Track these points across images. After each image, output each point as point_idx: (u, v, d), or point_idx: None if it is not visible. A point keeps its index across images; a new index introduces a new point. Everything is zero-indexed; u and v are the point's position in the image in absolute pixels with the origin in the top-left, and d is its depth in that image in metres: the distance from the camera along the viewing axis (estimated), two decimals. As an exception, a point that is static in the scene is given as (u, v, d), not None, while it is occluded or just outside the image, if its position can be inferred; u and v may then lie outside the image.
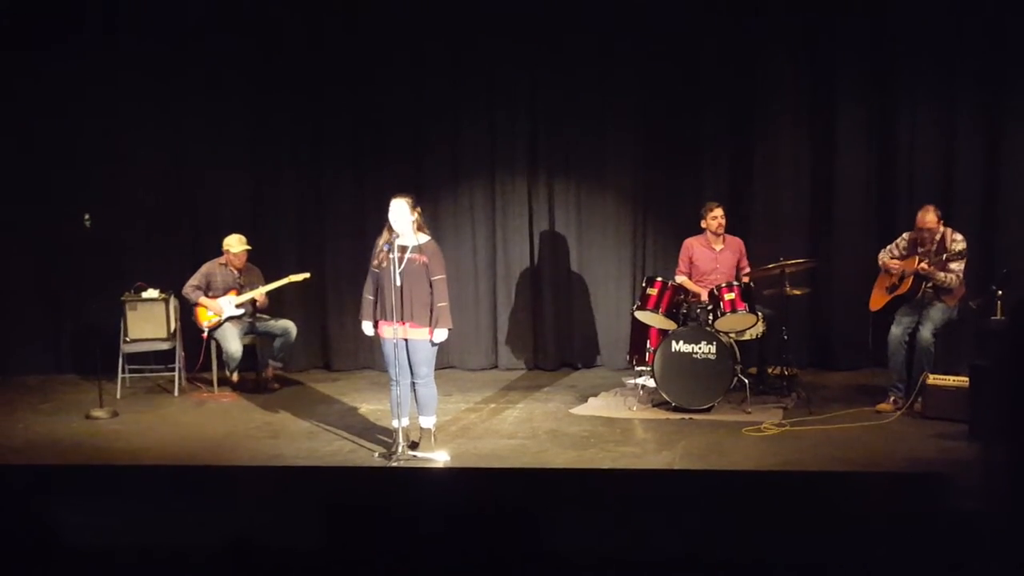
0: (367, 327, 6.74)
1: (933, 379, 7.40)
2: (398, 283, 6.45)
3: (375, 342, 6.90)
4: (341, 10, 9.61)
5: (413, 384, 6.70)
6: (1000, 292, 7.37)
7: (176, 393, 8.91)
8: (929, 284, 7.63)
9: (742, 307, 7.69)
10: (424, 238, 6.66)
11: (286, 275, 8.90)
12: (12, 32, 9.42)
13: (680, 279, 8.35)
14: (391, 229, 6.55)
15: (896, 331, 7.71)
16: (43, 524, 2.63)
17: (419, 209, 6.66)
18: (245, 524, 2.64)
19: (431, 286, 6.56)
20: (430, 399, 6.75)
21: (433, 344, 6.63)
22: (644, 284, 8.11)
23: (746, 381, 7.85)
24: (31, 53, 9.49)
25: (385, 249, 6.51)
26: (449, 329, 6.69)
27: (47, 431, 7.80)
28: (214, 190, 9.84)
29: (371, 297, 6.66)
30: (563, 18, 9.44)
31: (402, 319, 6.50)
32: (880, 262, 7.99)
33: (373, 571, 2.58)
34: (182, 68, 9.70)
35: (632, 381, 8.50)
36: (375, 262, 6.60)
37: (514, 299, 9.85)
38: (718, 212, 8.33)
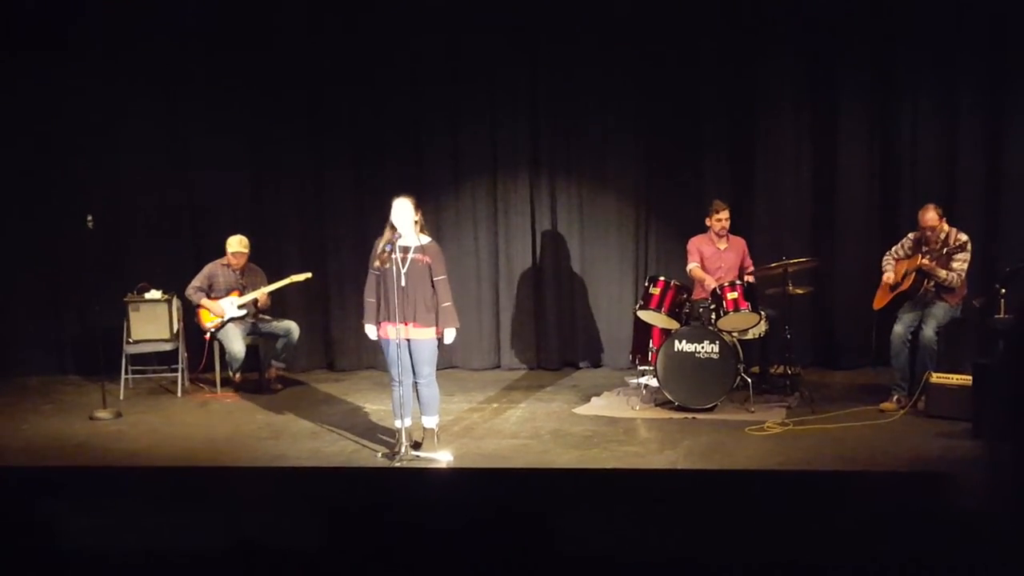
0: (371, 331, 6.73)
1: (936, 378, 7.39)
2: (402, 284, 6.46)
3: (377, 342, 6.88)
4: (341, 10, 9.62)
5: (415, 384, 6.70)
6: (1003, 290, 7.35)
7: (179, 394, 8.92)
8: (931, 283, 7.62)
9: (745, 306, 7.69)
10: (426, 239, 6.67)
11: (288, 276, 8.91)
12: (13, 33, 9.42)
13: (692, 266, 8.34)
14: (393, 228, 6.55)
15: (899, 330, 7.70)
16: (45, 526, 2.63)
17: (420, 210, 6.67)
18: (248, 526, 2.63)
19: (434, 287, 6.56)
20: (432, 399, 6.75)
21: (445, 343, 6.68)
22: (647, 283, 8.11)
23: (749, 380, 7.84)
24: (33, 54, 9.50)
25: (387, 249, 6.50)
26: (456, 328, 6.71)
27: (50, 432, 7.81)
28: (216, 191, 9.85)
29: (373, 300, 6.65)
30: (564, 16, 9.43)
31: (406, 320, 6.50)
32: (882, 269, 7.98)
33: (377, 572, 2.58)
34: (183, 69, 9.72)
35: (635, 380, 8.49)
36: (376, 263, 6.59)
37: (516, 299, 9.85)
38: (724, 215, 8.31)
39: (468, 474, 4.70)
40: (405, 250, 6.53)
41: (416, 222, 6.60)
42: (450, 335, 6.68)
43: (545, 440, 7.22)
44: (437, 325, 6.60)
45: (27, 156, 9.69)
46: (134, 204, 9.83)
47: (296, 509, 2.69)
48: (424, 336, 6.59)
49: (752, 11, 9.24)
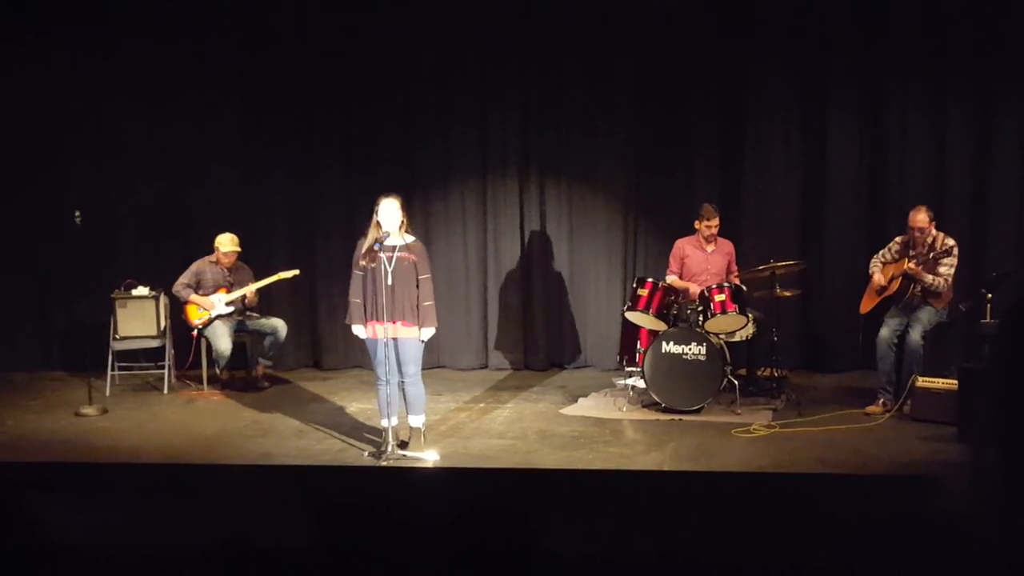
0: (359, 330, 6.71)
1: (922, 382, 7.41)
2: (389, 283, 6.45)
3: (363, 341, 6.87)
4: (333, 9, 9.60)
5: (401, 384, 6.70)
6: (989, 295, 7.38)
7: (165, 391, 8.88)
8: (917, 287, 7.65)
9: (732, 308, 7.70)
10: (410, 238, 6.68)
11: (276, 272, 8.89)
12: (2, 26, 9.37)
13: (671, 279, 8.35)
14: (379, 227, 6.54)
15: (885, 333, 7.73)
16: (30, 521, 2.62)
17: (406, 210, 6.68)
18: (234, 523, 2.63)
19: (418, 285, 6.57)
20: (418, 398, 6.75)
21: (421, 342, 6.63)
22: (635, 285, 8.12)
23: (736, 382, 7.85)
24: (22, 48, 9.45)
25: (376, 248, 6.49)
26: (434, 328, 6.70)
27: (36, 428, 7.77)
28: (205, 188, 9.81)
29: (359, 300, 6.63)
30: (555, 17, 9.44)
31: (393, 318, 6.49)
32: (870, 272, 8.00)
33: (362, 570, 2.57)
34: (174, 65, 9.68)
35: (622, 382, 8.49)
36: (362, 263, 6.58)
37: (504, 299, 9.84)
38: (713, 223, 8.29)
39: (454, 474, 4.70)
40: (391, 249, 6.53)
41: (402, 222, 6.60)
42: (427, 334, 6.65)
43: (532, 440, 7.22)
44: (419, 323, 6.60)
45: (13, 150, 9.63)
46: (122, 200, 9.77)
47: (282, 507, 2.69)
48: (411, 335, 6.58)
49: (743, 13, 9.25)
